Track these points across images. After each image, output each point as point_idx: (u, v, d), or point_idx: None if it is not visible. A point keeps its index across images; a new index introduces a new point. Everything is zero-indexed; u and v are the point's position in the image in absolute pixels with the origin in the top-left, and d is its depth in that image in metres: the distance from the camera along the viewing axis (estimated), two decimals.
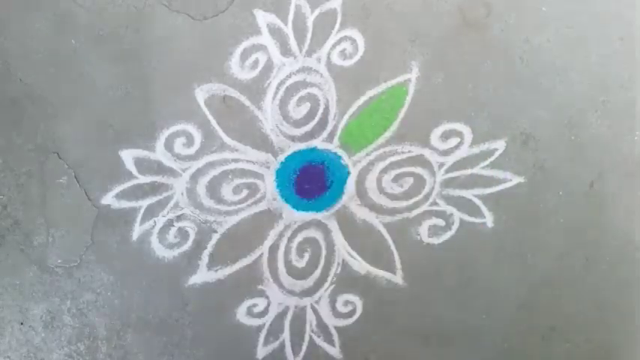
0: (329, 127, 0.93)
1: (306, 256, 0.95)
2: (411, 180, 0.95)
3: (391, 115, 0.93)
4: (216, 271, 0.92)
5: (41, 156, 0.87)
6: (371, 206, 0.95)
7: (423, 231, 0.96)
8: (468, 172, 0.95)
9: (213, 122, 0.89)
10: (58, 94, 0.87)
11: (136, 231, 0.90)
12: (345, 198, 0.95)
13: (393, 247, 0.95)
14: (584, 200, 0.98)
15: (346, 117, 0.93)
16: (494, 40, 0.93)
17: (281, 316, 0.95)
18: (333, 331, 0.96)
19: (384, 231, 0.95)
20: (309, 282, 0.95)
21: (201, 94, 0.89)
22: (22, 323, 0.89)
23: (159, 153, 0.89)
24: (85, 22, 0.86)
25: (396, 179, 0.95)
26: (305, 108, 0.92)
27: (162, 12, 0.87)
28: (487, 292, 0.98)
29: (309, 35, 0.90)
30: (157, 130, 0.89)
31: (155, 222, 0.90)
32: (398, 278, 0.96)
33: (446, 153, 0.95)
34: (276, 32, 0.89)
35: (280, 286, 0.94)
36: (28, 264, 0.88)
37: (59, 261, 0.89)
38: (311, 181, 0.94)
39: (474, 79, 0.93)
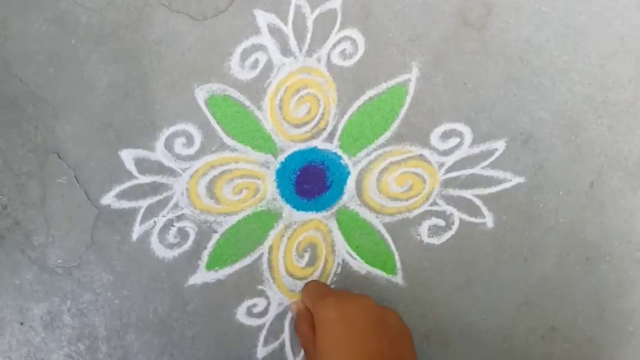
0: (329, 127, 0.93)
1: (306, 256, 0.95)
2: (411, 180, 0.95)
3: (391, 115, 0.93)
4: (216, 271, 0.92)
5: (41, 156, 0.87)
6: (371, 206, 0.95)
7: (423, 231, 0.96)
8: (468, 172, 0.95)
9: (213, 122, 0.89)
10: (58, 94, 0.87)
11: (136, 231, 0.90)
12: (345, 198, 0.95)
13: (393, 247, 0.95)
14: (584, 200, 0.97)
15: (346, 117, 0.93)
16: (494, 40, 0.93)
17: (281, 316, 0.94)
18: None
19: (383, 231, 0.95)
20: None
21: (201, 94, 0.89)
22: (22, 323, 0.89)
23: (159, 153, 0.89)
24: (85, 22, 0.86)
25: (396, 179, 0.95)
26: (305, 108, 0.92)
27: (162, 12, 0.87)
28: (487, 292, 0.97)
29: (309, 35, 0.90)
30: (157, 130, 0.89)
31: (155, 222, 0.90)
32: (398, 278, 0.96)
33: (446, 153, 0.95)
34: (276, 32, 0.89)
35: (280, 286, 0.94)
36: (28, 264, 0.88)
37: (59, 261, 0.89)
38: (311, 181, 0.94)
39: (474, 79, 0.93)
